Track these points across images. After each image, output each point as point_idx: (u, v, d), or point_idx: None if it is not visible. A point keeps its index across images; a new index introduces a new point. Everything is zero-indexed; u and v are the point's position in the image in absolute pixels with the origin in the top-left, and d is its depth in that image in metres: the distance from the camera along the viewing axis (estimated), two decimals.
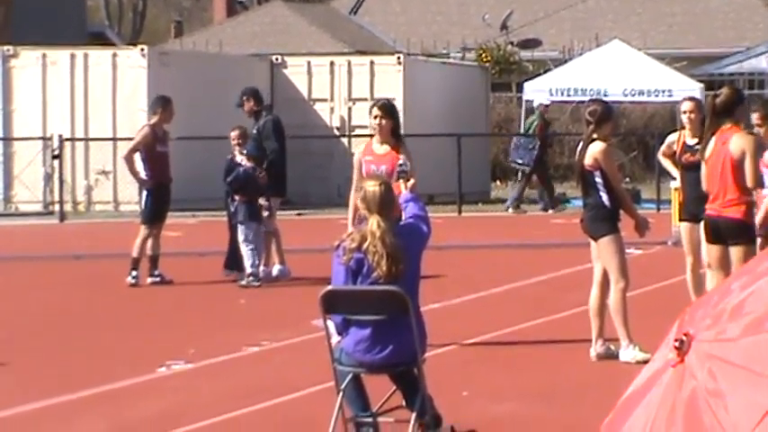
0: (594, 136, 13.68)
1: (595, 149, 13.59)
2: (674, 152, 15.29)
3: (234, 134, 19.86)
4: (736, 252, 12.72)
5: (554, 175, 41.92)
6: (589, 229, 13.77)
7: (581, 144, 13.87)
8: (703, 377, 4.35)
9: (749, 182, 12.84)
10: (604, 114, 13.81)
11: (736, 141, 12.85)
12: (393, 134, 13.86)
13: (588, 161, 13.64)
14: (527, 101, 40.59)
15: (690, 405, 4.34)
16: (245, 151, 19.59)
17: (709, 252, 13.16)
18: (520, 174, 34.81)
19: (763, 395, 4.07)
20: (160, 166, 20.01)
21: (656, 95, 37.36)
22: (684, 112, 15.11)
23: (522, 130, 35.85)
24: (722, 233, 12.86)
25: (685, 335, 4.49)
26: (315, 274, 17.24)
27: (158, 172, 19.98)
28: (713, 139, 13.04)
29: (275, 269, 19.80)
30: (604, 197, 13.56)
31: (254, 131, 19.89)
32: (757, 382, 4.10)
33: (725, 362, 4.29)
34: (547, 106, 35.25)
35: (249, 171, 19.45)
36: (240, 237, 19.51)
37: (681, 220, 15.21)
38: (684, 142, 14.93)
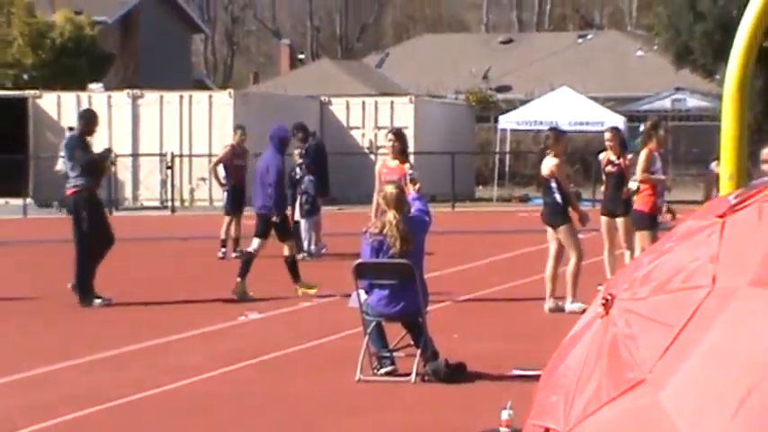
0: (549, 153, 13.76)
1: (550, 164, 13.65)
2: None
3: (296, 152, 20.15)
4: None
5: (519, 181, 41.91)
6: (549, 221, 13.81)
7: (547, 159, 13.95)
8: (622, 325, 4.31)
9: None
10: (554, 138, 13.92)
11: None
12: (401, 153, 14.01)
13: (546, 172, 13.69)
14: (501, 129, 40.60)
15: (612, 345, 4.30)
16: (303, 166, 19.75)
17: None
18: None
19: (663, 337, 4.03)
20: (237, 174, 20.18)
21: (593, 126, 37.32)
22: (606, 140, 15.24)
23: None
24: None
25: (610, 295, 4.45)
26: (349, 251, 17.21)
27: (236, 178, 20.14)
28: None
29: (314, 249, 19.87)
30: (558, 197, 13.62)
31: (304, 151, 20.05)
32: (659, 328, 4.06)
33: (637, 314, 4.25)
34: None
35: (312, 182, 19.57)
36: (304, 225, 19.59)
37: (602, 214, 15.11)
38: (608, 158, 15.00)
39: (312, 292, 15.10)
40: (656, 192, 13.61)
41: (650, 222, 13.45)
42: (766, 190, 4.25)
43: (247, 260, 15.29)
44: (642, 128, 32.40)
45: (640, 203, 13.63)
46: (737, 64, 5.81)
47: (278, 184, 15.15)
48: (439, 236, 18.20)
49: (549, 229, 13.88)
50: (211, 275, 18.04)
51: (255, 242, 15.45)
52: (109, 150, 15.92)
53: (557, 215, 13.68)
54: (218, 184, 21.28)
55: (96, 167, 14.84)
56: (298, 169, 19.90)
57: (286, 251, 15.34)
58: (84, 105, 34.89)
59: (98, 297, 14.43)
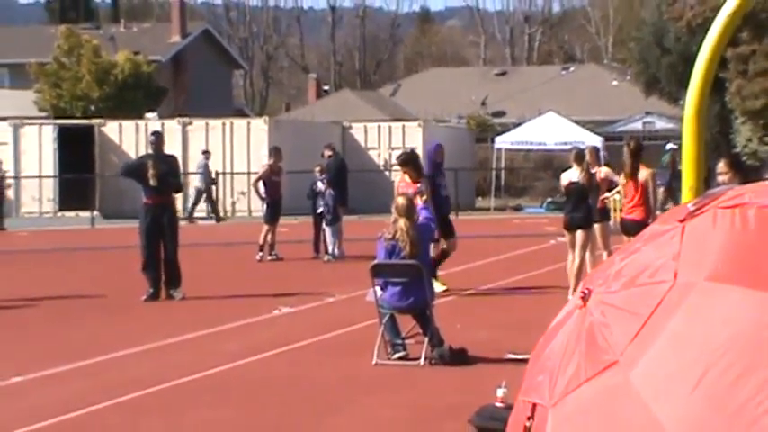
0: (575, 167, 13.90)
1: (586, 175, 13.89)
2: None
3: (317, 169, 20.14)
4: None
5: (513, 193, 41.80)
6: (583, 223, 13.78)
7: (572, 172, 13.95)
8: (597, 315, 4.29)
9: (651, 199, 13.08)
10: (582, 155, 14.10)
11: (642, 173, 13.08)
12: (415, 172, 14.04)
13: (585, 182, 13.79)
14: (497, 148, 40.52)
15: (589, 331, 4.28)
16: (325, 180, 19.78)
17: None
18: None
19: (633, 325, 4.03)
20: (274, 189, 20.14)
21: (575, 144, 37.16)
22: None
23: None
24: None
25: (587, 289, 4.44)
26: (367, 254, 17.22)
27: (273, 193, 20.10)
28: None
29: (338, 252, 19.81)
30: (591, 203, 13.81)
31: (325, 168, 20.13)
32: (629, 317, 4.06)
33: (610, 305, 4.24)
34: (676, 149, 31.24)
35: (332, 195, 19.57)
36: (328, 231, 19.59)
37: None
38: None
39: (441, 289, 14.59)
40: (647, 202, 13.32)
41: (641, 229, 13.24)
42: (719, 198, 4.25)
43: (441, 258, 14.93)
44: (668, 146, 31.55)
45: (634, 213, 13.27)
46: (696, 92, 5.80)
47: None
48: None
49: (571, 234, 13.80)
50: (250, 276, 18.05)
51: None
52: (142, 159, 15.39)
53: (590, 218, 13.80)
54: (258, 198, 21.24)
55: (130, 175, 14.77)
56: (319, 183, 19.92)
57: (442, 245, 14.87)
58: (142, 132, 35.04)
59: (150, 292, 14.52)
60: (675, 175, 33.25)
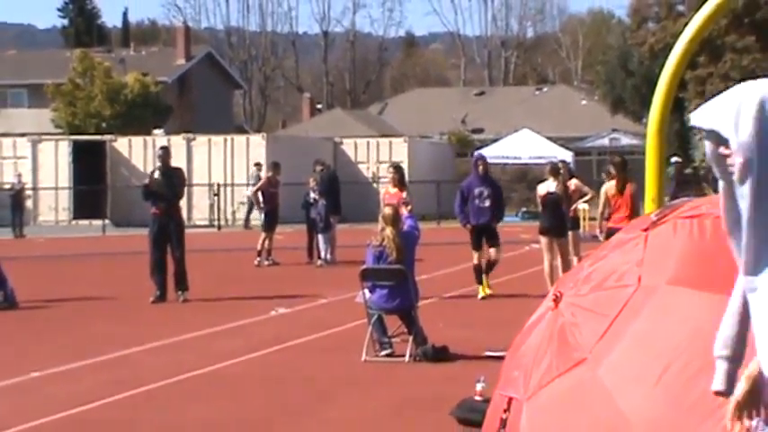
0: (552, 179, 13.96)
1: (562, 187, 13.94)
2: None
3: (311, 180, 20.15)
4: None
5: None
6: (560, 231, 13.86)
7: (549, 184, 13.99)
8: (568, 316, 4.30)
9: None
10: (557, 169, 14.16)
11: (629, 187, 13.09)
12: (400, 182, 14.07)
13: (561, 193, 13.86)
14: None
15: (561, 331, 4.29)
16: (317, 191, 19.80)
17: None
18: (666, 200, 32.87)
19: (601, 325, 4.04)
20: (272, 199, 20.15)
21: (547, 159, 37.16)
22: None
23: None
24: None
25: (559, 293, 4.45)
26: (357, 259, 17.21)
27: (271, 203, 20.10)
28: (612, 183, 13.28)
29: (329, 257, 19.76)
30: (565, 212, 13.88)
31: (318, 180, 20.13)
32: (597, 318, 4.07)
33: (580, 307, 4.25)
34: (680, 162, 30.80)
35: (324, 205, 19.57)
36: (321, 239, 19.57)
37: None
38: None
39: (483, 292, 14.45)
40: (633, 213, 13.22)
41: None
42: (679, 209, 4.27)
43: (488, 267, 14.61)
44: (673, 159, 31.36)
45: (617, 222, 13.13)
46: (658, 111, 5.83)
47: (458, 199, 14.50)
48: (427, 246, 18.21)
49: (547, 240, 13.82)
50: (249, 279, 18.01)
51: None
52: (151, 173, 15.33)
53: (565, 226, 13.91)
54: (256, 207, 21.27)
55: (150, 196, 14.72)
56: (312, 194, 19.94)
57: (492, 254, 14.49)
58: (150, 147, 35.00)
59: (157, 294, 14.49)
60: (680, 186, 32.90)
